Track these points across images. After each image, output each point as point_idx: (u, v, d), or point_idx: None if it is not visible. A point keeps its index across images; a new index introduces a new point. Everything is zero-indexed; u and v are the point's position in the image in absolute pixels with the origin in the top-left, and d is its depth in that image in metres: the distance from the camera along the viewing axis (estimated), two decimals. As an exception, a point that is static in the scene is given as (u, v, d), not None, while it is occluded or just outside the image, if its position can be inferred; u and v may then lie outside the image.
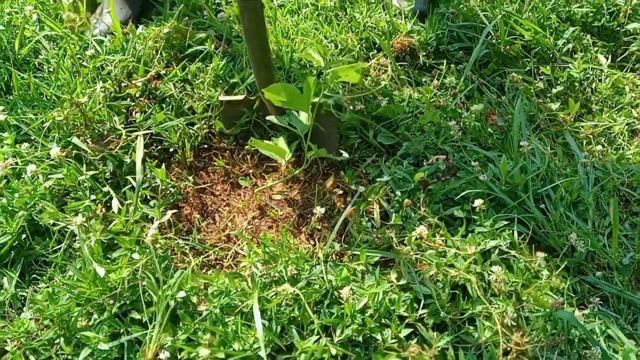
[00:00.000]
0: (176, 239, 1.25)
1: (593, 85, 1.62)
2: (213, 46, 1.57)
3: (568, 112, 1.55)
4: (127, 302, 1.13)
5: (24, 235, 1.25)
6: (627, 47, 1.70)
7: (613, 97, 1.59)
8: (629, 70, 1.68)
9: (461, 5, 1.76)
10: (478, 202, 1.23)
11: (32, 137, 1.38)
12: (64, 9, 1.66)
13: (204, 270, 1.23)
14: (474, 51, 1.60)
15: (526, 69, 1.65)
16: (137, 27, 1.63)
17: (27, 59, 1.57)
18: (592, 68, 1.63)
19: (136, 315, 1.12)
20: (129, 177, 1.31)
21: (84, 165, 1.32)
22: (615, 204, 1.20)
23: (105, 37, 1.61)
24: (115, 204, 1.25)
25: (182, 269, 1.20)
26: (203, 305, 1.13)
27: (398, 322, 1.08)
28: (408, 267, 1.15)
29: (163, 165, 1.32)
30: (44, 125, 1.36)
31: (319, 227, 1.27)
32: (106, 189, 1.29)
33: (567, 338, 1.06)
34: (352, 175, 1.37)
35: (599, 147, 1.47)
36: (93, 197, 1.29)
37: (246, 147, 1.42)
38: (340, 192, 1.34)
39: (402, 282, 1.13)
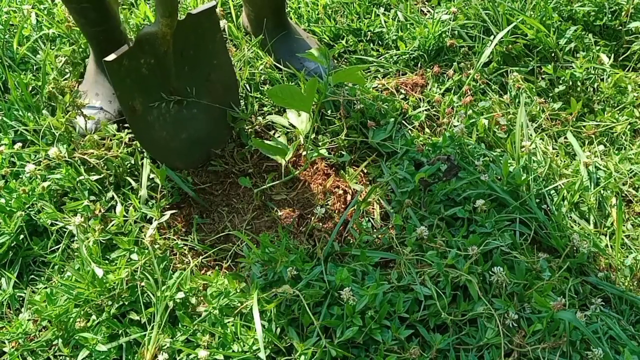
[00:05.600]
0: (175, 240, 1.25)
1: (595, 85, 1.62)
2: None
3: (570, 112, 1.54)
4: (126, 303, 1.13)
5: (22, 236, 1.24)
6: (629, 46, 1.69)
7: (615, 96, 1.58)
8: (631, 69, 1.67)
9: (463, 4, 1.76)
10: (479, 203, 1.22)
11: (30, 138, 1.37)
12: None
13: (203, 271, 1.22)
14: (482, 55, 1.59)
15: (528, 68, 1.64)
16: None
17: (26, 58, 1.56)
18: (594, 67, 1.62)
19: (135, 317, 1.12)
20: (128, 178, 1.31)
21: (81, 166, 1.31)
22: (619, 204, 1.19)
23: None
24: (119, 209, 1.25)
25: (181, 269, 1.19)
26: (202, 306, 1.12)
27: (399, 323, 1.08)
28: (409, 268, 1.14)
29: (163, 165, 1.32)
30: (41, 126, 1.36)
31: (319, 228, 1.27)
32: (110, 193, 1.29)
33: (569, 339, 1.06)
34: (352, 175, 1.36)
35: (601, 147, 1.46)
36: (92, 197, 1.29)
37: (246, 147, 1.41)
38: (340, 192, 1.34)
39: (403, 282, 1.12)
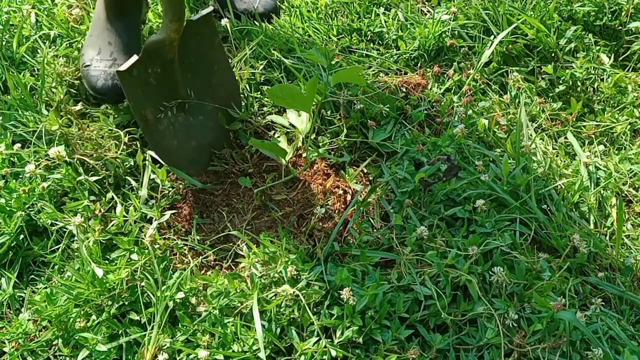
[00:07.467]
0: (175, 240, 1.25)
1: (595, 85, 1.62)
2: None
3: (570, 112, 1.54)
4: (126, 303, 1.13)
5: (22, 236, 1.24)
6: (629, 46, 1.70)
7: (615, 96, 1.58)
8: (631, 69, 1.67)
9: (463, 4, 1.76)
10: (479, 203, 1.23)
11: (29, 139, 1.37)
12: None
13: (203, 271, 1.22)
14: (482, 55, 1.59)
15: (529, 68, 1.64)
16: None
17: (25, 59, 1.56)
18: (594, 67, 1.62)
19: (135, 317, 1.12)
20: (128, 178, 1.31)
21: (82, 167, 1.31)
22: (620, 204, 1.19)
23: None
24: (119, 209, 1.25)
25: (181, 269, 1.19)
26: (202, 306, 1.12)
27: (399, 323, 1.08)
28: (409, 268, 1.14)
29: (164, 165, 1.32)
30: (40, 127, 1.36)
31: (319, 227, 1.27)
32: (110, 194, 1.29)
33: (569, 339, 1.06)
34: (352, 175, 1.36)
35: (601, 147, 1.46)
36: (92, 197, 1.29)
37: (246, 147, 1.41)
38: (340, 192, 1.34)
39: (403, 282, 1.12)
